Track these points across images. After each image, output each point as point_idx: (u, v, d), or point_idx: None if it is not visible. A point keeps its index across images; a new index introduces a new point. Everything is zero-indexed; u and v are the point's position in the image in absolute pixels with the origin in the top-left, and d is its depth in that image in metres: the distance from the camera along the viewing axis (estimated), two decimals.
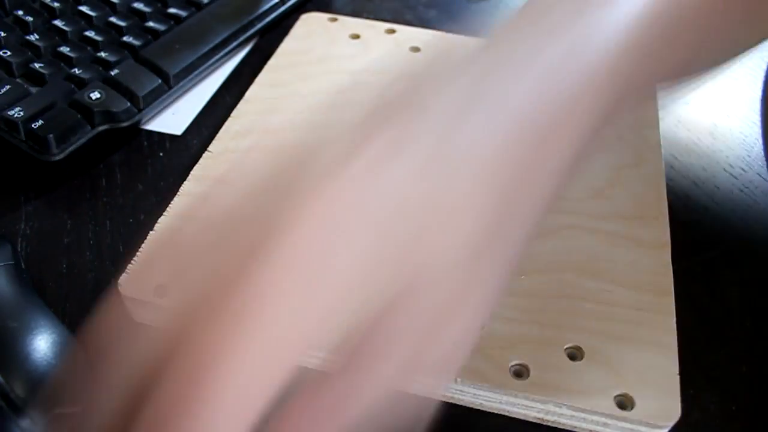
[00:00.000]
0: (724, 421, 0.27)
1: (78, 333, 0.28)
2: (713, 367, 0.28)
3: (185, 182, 0.32)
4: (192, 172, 0.33)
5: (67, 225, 0.33)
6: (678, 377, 0.26)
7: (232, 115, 0.36)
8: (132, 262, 0.29)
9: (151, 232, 0.30)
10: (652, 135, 0.36)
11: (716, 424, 0.27)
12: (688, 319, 0.30)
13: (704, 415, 0.27)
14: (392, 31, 0.43)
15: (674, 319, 0.28)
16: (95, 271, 0.31)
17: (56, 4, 0.40)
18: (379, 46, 0.41)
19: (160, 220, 0.30)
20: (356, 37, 0.42)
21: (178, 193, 0.32)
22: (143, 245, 0.29)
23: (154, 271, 0.28)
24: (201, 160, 0.33)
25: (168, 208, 0.31)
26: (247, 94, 0.38)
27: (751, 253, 0.33)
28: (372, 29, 0.43)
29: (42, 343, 0.24)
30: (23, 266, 0.28)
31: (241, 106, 0.37)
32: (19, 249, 0.31)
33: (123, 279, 0.28)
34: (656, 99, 0.39)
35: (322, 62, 0.40)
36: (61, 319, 0.29)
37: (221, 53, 0.41)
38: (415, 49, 0.41)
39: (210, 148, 0.34)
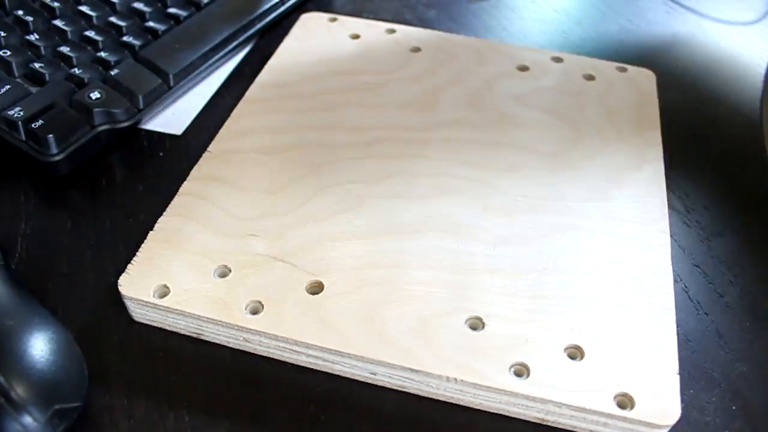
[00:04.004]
0: (724, 421, 0.27)
1: (77, 332, 0.28)
2: (713, 367, 0.28)
3: (185, 182, 0.32)
4: (192, 172, 0.33)
5: (67, 225, 0.33)
6: (678, 377, 0.26)
7: (232, 115, 0.36)
8: (132, 262, 0.29)
9: (151, 232, 0.30)
10: (653, 134, 0.36)
11: (716, 424, 0.27)
12: (688, 318, 0.30)
13: (704, 415, 0.27)
14: (392, 31, 0.43)
15: (674, 320, 0.28)
16: (95, 271, 0.31)
17: (56, 4, 0.40)
18: (379, 46, 0.42)
19: (160, 220, 0.30)
20: (356, 37, 0.42)
21: (178, 193, 0.32)
22: (143, 245, 0.29)
23: (154, 271, 0.28)
24: (201, 160, 0.34)
25: (168, 208, 0.31)
26: (247, 94, 0.38)
27: (751, 252, 0.33)
28: (372, 29, 0.43)
29: (39, 340, 0.24)
30: (12, 266, 0.28)
31: (241, 106, 0.37)
32: (19, 249, 0.31)
33: (123, 279, 0.28)
34: (657, 99, 0.39)
35: (322, 62, 0.40)
36: (61, 319, 0.29)
37: (221, 53, 0.41)
38: (416, 49, 0.41)
39: (210, 148, 0.34)
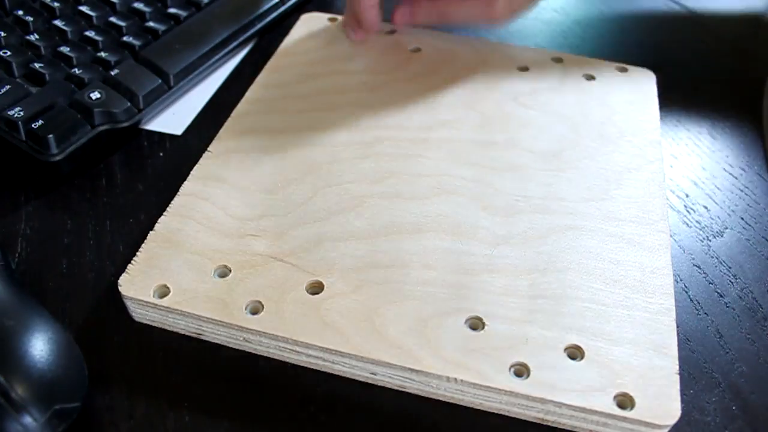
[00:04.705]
0: (724, 421, 0.27)
1: (77, 332, 0.28)
2: (713, 367, 0.28)
3: (185, 182, 0.32)
4: (192, 172, 0.33)
5: (67, 225, 0.33)
6: (678, 377, 0.26)
7: (232, 115, 0.36)
8: (132, 262, 0.29)
9: (151, 232, 0.30)
10: (653, 134, 0.36)
11: (716, 424, 0.27)
12: (688, 318, 0.30)
13: (704, 415, 0.27)
14: (392, 32, 0.43)
15: (674, 319, 0.28)
16: (95, 271, 0.31)
17: (56, 4, 0.40)
18: (379, 46, 0.41)
19: (160, 220, 0.30)
20: None
21: (178, 193, 0.32)
22: (143, 245, 0.29)
23: (154, 271, 0.28)
24: (201, 160, 0.33)
25: (168, 208, 0.31)
26: (248, 94, 0.38)
27: (751, 253, 0.33)
28: None
29: (39, 340, 0.24)
30: (12, 266, 0.28)
31: (241, 106, 0.37)
32: (19, 249, 0.31)
33: (123, 279, 0.28)
34: (657, 99, 0.39)
35: (322, 62, 0.40)
36: (61, 319, 0.29)
37: (221, 53, 0.41)
38: (416, 50, 0.41)
39: (210, 148, 0.34)
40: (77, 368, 0.25)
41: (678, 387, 0.25)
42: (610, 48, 0.46)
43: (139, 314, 0.28)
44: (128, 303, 0.28)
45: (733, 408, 0.27)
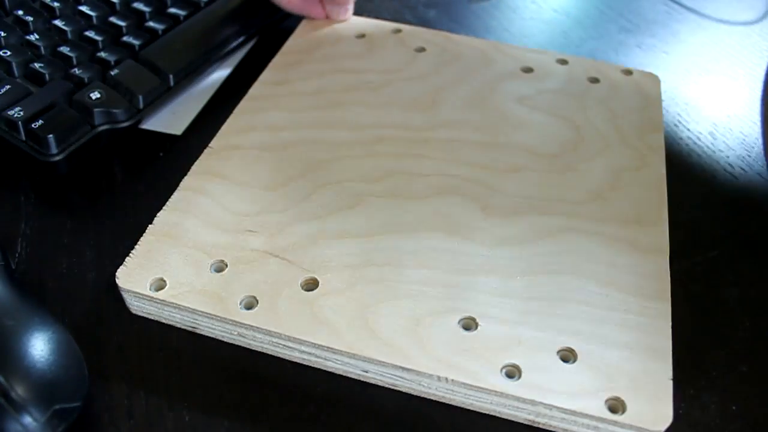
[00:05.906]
0: (724, 421, 0.27)
1: (77, 332, 0.28)
2: (713, 367, 0.28)
3: (185, 177, 0.32)
4: (192, 167, 0.33)
5: (67, 225, 0.33)
6: (671, 383, 0.25)
7: (234, 111, 0.36)
8: (130, 255, 0.29)
9: (150, 225, 0.30)
10: (656, 138, 0.36)
11: (716, 424, 0.27)
12: (688, 319, 0.30)
13: (704, 415, 0.27)
14: (398, 31, 0.43)
15: (670, 325, 0.27)
16: (95, 271, 0.31)
17: (56, 4, 0.40)
18: (384, 45, 0.41)
19: (159, 214, 0.30)
20: (362, 36, 0.42)
21: (178, 188, 0.32)
22: (142, 239, 0.29)
23: (152, 265, 0.28)
24: (202, 156, 0.34)
25: (167, 203, 0.31)
26: (251, 91, 0.38)
27: (750, 254, 0.33)
28: (378, 28, 0.43)
29: (39, 340, 0.24)
30: (12, 266, 0.28)
31: (244, 103, 0.37)
32: (19, 249, 0.31)
33: (120, 272, 0.28)
34: (661, 104, 0.39)
35: (326, 60, 0.40)
36: (61, 319, 0.29)
37: (221, 53, 0.41)
38: (420, 49, 0.41)
39: (211, 143, 0.34)
40: (77, 368, 0.25)
41: (671, 392, 0.25)
42: (610, 48, 0.46)
43: (136, 307, 0.28)
44: (125, 295, 0.28)
45: (733, 408, 0.27)
